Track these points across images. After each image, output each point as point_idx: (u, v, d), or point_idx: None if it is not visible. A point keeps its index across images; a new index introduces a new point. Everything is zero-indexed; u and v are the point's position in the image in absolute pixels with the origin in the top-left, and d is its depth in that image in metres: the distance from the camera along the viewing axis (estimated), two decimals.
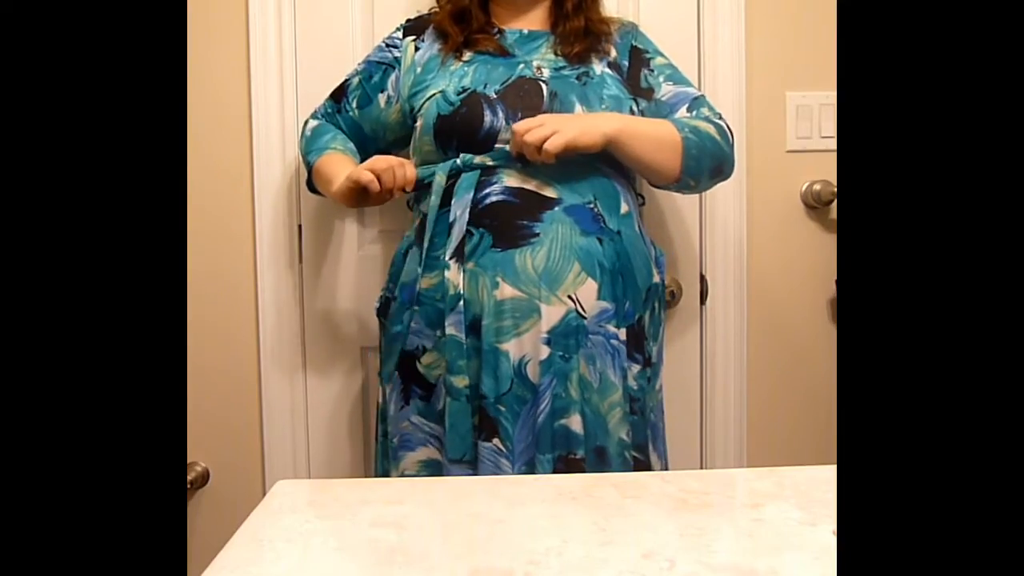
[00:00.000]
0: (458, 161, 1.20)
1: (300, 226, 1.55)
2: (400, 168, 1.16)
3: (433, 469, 1.23)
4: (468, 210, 1.17)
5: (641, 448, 1.22)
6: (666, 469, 1.31)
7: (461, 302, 1.16)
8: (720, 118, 1.29)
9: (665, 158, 1.21)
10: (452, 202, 1.18)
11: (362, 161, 1.22)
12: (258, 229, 1.55)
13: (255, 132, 1.53)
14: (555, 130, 1.12)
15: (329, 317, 1.57)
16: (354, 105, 1.35)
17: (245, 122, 1.54)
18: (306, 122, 1.40)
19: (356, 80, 1.36)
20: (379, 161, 1.17)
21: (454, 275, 1.17)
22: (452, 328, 1.17)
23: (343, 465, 1.59)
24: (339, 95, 1.37)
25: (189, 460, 1.58)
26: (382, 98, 1.33)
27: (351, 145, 1.35)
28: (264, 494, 0.83)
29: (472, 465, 1.17)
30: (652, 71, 1.32)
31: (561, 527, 0.68)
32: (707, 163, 1.24)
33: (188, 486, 1.57)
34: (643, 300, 1.23)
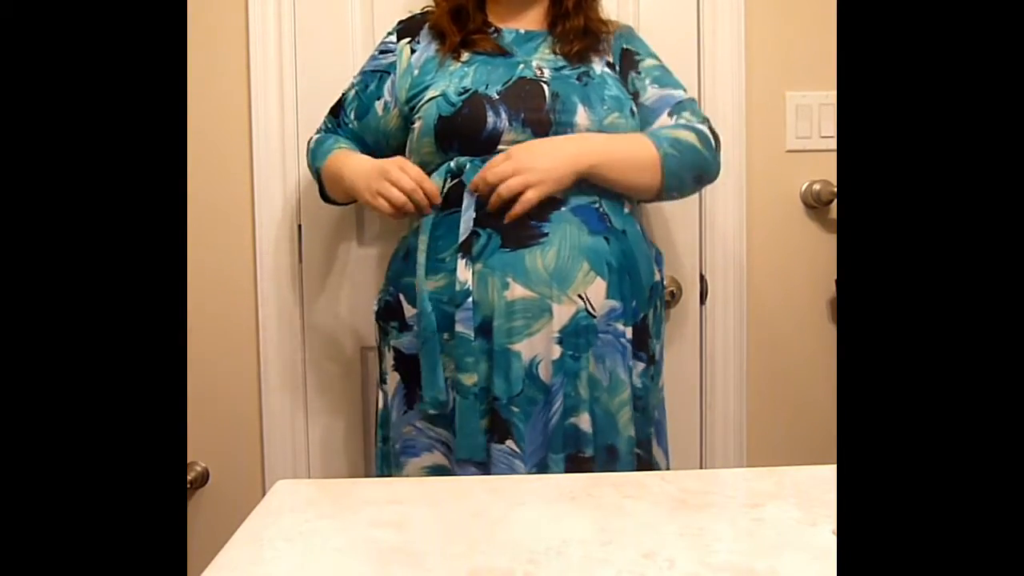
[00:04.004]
0: (452, 164, 1.19)
1: (300, 226, 1.55)
2: (418, 192, 1.16)
3: (440, 475, 1.20)
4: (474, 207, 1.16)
5: (643, 445, 1.23)
6: (669, 465, 1.31)
7: (470, 299, 1.15)
8: (704, 122, 1.27)
9: (644, 178, 1.20)
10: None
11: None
12: (258, 229, 1.55)
13: (255, 132, 1.53)
14: (528, 183, 1.12)
15: (329, 317, 1.57)
16: (352, 117, 1.33)
17: (245, 122, 1.54)
18: (309, 140, 1.38)
19: (352, 92, 1.34)
20: (404, 181, 1.16)
21: (462, 272, 1.15)
22: (461, 325, 1.15)
23: (343, 465, 1.59)
24: (337, 109, 1.36)
25: (189, 460, 1.58)
26: (379, 105, 1.31)
27: (356, 148, 1.34)
28: (264, 494, 0.83)
29: (484, 467, 1.15)
30: (639, 73, 1.30)
31: (561, 527, 0.68)
32: (688, 175, 1.23)
33: (188, 486, 1.57)
34: (647, 298, 1.23)
